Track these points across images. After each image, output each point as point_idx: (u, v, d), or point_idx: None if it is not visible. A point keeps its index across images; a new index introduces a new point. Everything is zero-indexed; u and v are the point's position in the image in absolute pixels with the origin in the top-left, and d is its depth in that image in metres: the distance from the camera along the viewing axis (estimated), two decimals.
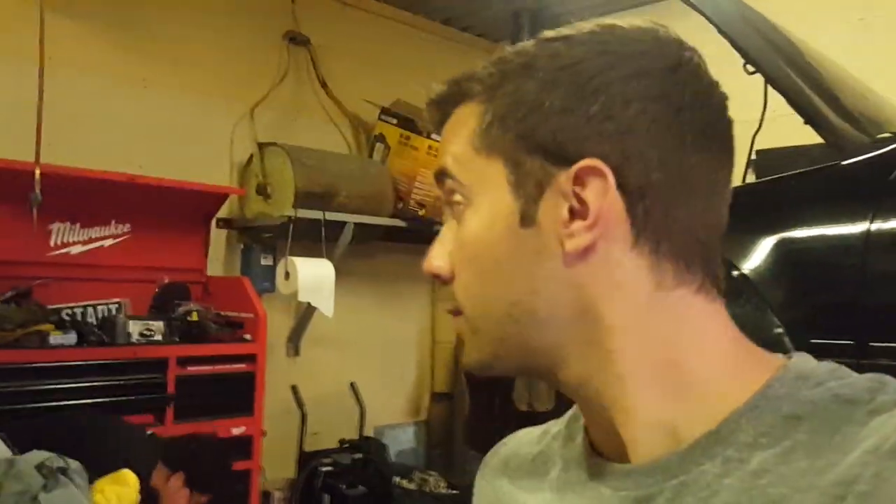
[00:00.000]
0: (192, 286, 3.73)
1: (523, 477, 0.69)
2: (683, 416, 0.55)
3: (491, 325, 0.60)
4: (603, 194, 0.55)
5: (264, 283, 4.00)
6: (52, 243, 3.44)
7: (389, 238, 4.53)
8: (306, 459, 4.07)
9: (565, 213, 0.56)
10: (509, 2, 4.73)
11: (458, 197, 0.61)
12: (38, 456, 1.52)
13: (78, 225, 3.52)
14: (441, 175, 0.63)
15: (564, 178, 0.56)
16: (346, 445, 4.35)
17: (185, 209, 3.78)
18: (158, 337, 3.36)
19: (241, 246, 4.18)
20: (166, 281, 3.66)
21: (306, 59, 4.49)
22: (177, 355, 3.30)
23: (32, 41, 3.12)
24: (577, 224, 0.56)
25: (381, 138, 4.54)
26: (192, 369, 3.35)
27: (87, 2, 3.66)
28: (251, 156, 4.16)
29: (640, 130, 0.55)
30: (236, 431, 3.50)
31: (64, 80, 3.48)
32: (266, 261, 4.10)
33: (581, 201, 0.56)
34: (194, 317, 3.46)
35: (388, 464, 4.39)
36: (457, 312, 0.63)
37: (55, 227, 3.44)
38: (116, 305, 3.51)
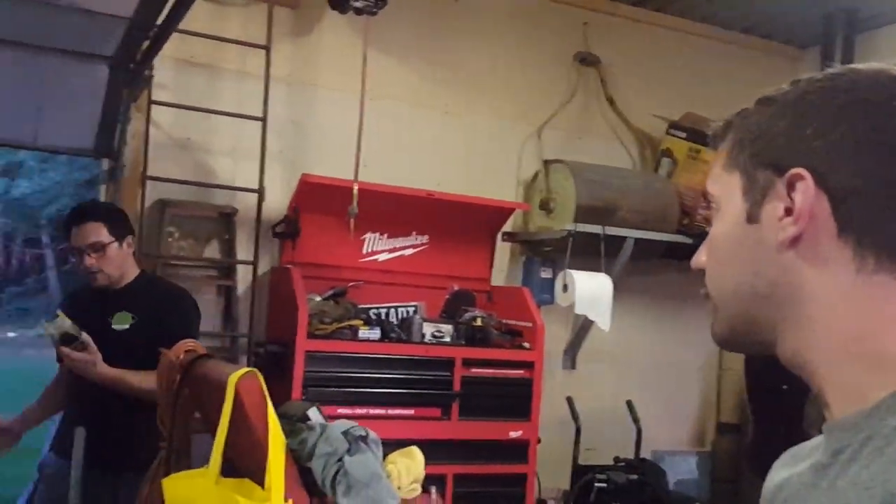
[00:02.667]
0: (477, 294, 4.04)
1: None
2: (874, 384, 0.65)
3: (725, 304, 0.77)
4: (808, 196, 0.68)
5: (543, 295, 4.20)
6: (364, 251, 3.94)
7: (672, 255, 4.47)
8: (580, 472, 4.16)
9: (781, 210, 0.70)
10: (820, 5, 4.47)
11: (713, 205, 0.80)
12: (344, 424, 1.83)
13: (386, 235, 3.99)
14: (704, 195, 0.81)
15: (780, 184, 0.71)
16: (622, 464, 4.36)
17: (475, 223, 4.10)
18: (447, 339, 3.69)
19: (524, 258, 4.42)
20: (456, 288, 4.00)
21: (595, 78, 4.63)
22: (462, 356, 3.61)
23: (356, 75, 3.65)
24: (788, 219, 0.70)
25: (667, 153, 4.53)
26: (476, 371, 3.63)
27: (402, 41, 4.14)
28: (536, 173, 4.39)
29: (845, 147, 0.68)
30: (513, 435, 3.72)
31: (379, 109, 3.97)
32: (546, 273, 4.30)
33: (792, 201, 0.69)
34: (479, 322, 3.75)
35: (666, 490, 4.32)
36: (707, 295, 0.81)
37: (368, 237, 3.94)
38: (414, 308, 3.93)
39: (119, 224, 2.67)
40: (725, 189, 0.77)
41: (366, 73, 3.68)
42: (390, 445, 2.55)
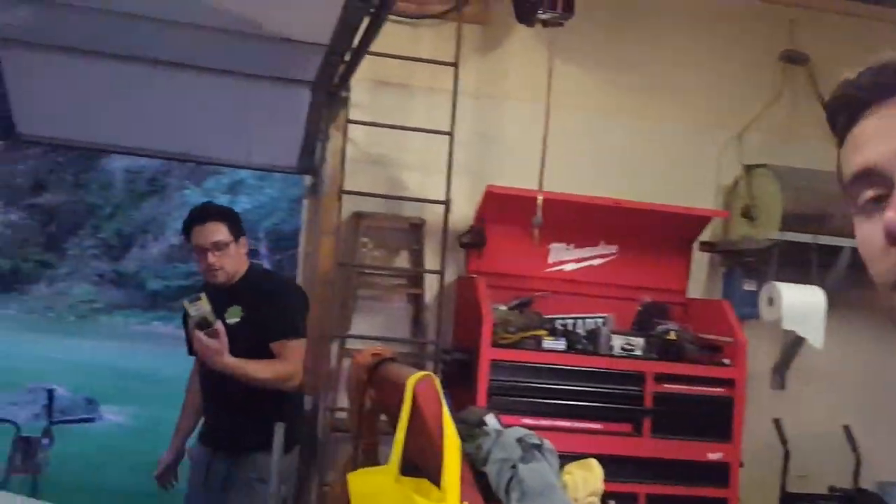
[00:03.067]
0: (671, 306, 3.87)
1: None
2: None
3: None
4: None
5: (746, 309, 3.92)
6: (549, 261, 3.91)
7: None
8: (789, 501, 3.85)
9: None
10: None
11: None
12: (519, 431, 1.82)
13: (572, 245, 3.94)
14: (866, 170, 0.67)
15: None
16: (838, 494, 3.98)
17: (668, 232, 3.94)
18: (638, 352, 3.57)
19: (724, 269, 4.18)
20: (648, 300, 3.86)
21: (803, 77, 4.30)
22: (654, 371, 3.47)
23: (542, 87, 3.65)
24: None
25: None
26: (669, 387, 3.47)
27: (589, 50, 4.09)
28: (737, 179, 4.14)
29: None
30: (712, 457, 3.50)
31: (566, 119, 3.93)
32: (749, 286, 4.02)
33: None
34: (672, 336, 3.59)
35: None
36: None
37: (553, 246, 3.91)
38: (602, 320, 3.84)
39: (236, 224, 2.77)
40: None
41: (552, 83, 3.68)
42: (576, 459, 2.50)
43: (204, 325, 2.51)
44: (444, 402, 1.76)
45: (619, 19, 4.15)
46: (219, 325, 2.51)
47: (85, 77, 3.04)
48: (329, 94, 3.16)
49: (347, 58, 2.81)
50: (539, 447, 1.76)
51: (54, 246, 23.25)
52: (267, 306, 2.73)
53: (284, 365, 2.66)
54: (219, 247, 2.68)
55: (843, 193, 0.71)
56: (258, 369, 2.62)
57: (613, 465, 3.37)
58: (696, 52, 4.22)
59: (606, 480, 3.29)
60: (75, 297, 21.22)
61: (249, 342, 2.63)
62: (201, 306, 2.52)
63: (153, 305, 22.06)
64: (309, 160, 3.49)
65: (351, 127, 3.74)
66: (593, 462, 1.90)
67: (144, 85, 3.09)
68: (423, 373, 1.81)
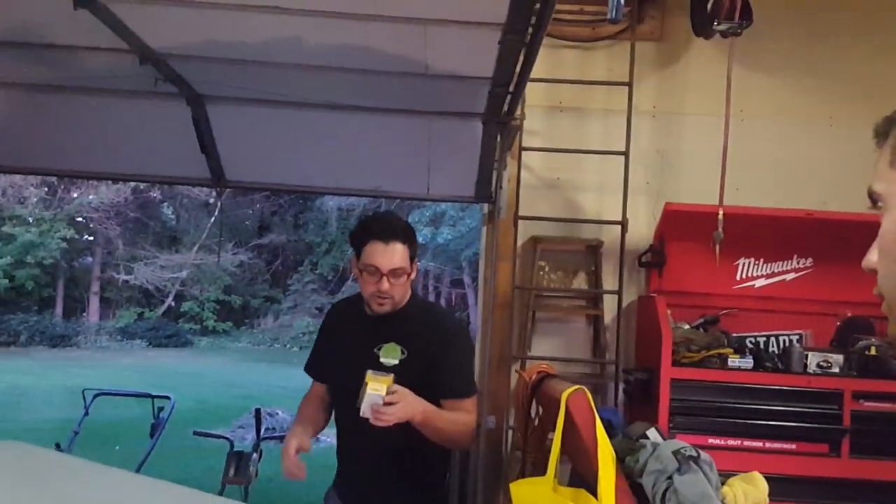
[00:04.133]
0: (875, 321, 3.61)
1: None
2: None
3: None
4: None
5: None
6: (737, 277, 3.79)
7: None
8: None
9: None
10: None
11: (880, 205, 0.77)
12: (675, 444, 1.83)
13: (762, 260, 3.79)
14: (869, 194, 0.81)
15: None
16: None
17: (867, 242, 3.60)
18: (836, 370, 3.37)
19: None
20: (848, 315, 3.63)
21: None
22: (852, 389, 3.26)
23: (723, 98, 3.58)
24: None
25: None
26: (869, 405, 3.25)
27: (773, 56, 3.95)
28: None
29: None
30: None
31: (749, 129, 3.82)
32: None
33: None
34: (873, 352, 3.35)
35: None
36: (881, 297, 0.78)
37: (741, 262, 3.79)
38: (798, 336, 3.66)
39: (415, 247, 2.33)
40: (893, 186, 0.74)
41: (733, 94, 3.60)
42: (772, 481, 2.43)
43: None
44: (596, 414, 1.82)
45: (806, 19, 3.97)
46: (398, 392, 2.05)
47: (280, 125, 3.43)
48: (500, 124, 3.31)
49: (512, 88, 2.95)
50: (696, 459, 1.77)
51: (278, 282, 25.50)
52: (436, 353, 2.25)
53: (471, 417, 2.27)
54: (397, 274, 2.24)
55: None
56: (450, 420, 2.19)
57: (811, 487, 3.24)
58: (890, 50, 3.94)
59: (803, 502, 3.16)
60: (297, 329, 23.08)
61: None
62: (383, 386, 2.04)
63: None
64: (485, 189, 3.67)
65: (526, 154, 3.89)
66: (757, 475, 1.87)
67: (335, 129, 3.43)
68: (575, 387, 1.88)
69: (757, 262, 3.80)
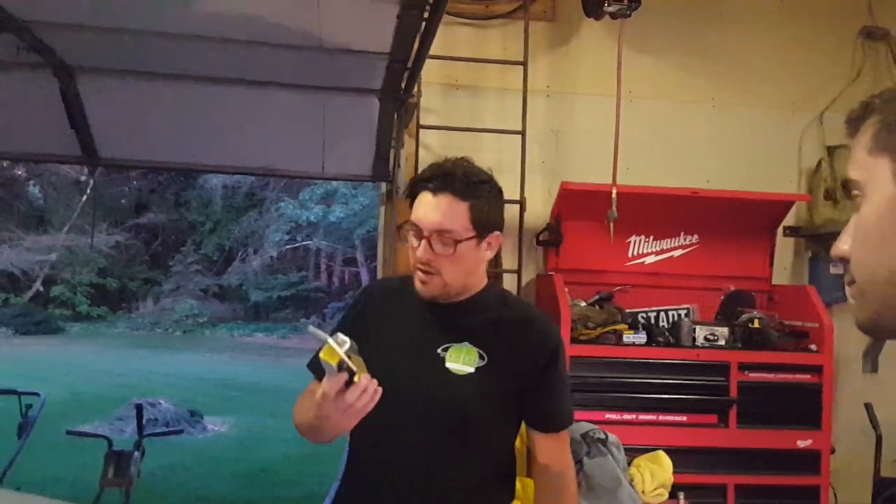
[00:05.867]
0: (756, 294, 3.79)
1: None
2: None
3: (875, 290, 0.75)
4: None
5: (834, 294, 3.81)
6: (629, 254, 3.88)
7: None
8: (883, 485, 3.71)
9: None
10: None
11: (856, 192, 0.77)
12: (584, 426, 1.84)
13: (651, 238, 3.90)
14: (844, 182, 0.81)
15: None
16: None
17: (749, 219, 3.86)
18: (722, 342, 3.51)
19: (809, 254, 4.06)
20: (731, 289, 3.78)
21: (885, 52, 4.14)
22: (738, 361, 3.41)
23: (613, 78, 3.65)
24: None
25: None
26: (754, 375, 3.41)
27: (661, 38, 4.05)
28: (819, 161, 4.02)
29: None
30: (802, 444, 3.42)
31: (641, 110, 3.91)
32: (836, 269, 3.89)
33: None
34: (756, 324, 3.52)
35: None
36: (850, 282, 0.78)
37: (632, 239, 3.88)
38: (685, 311, 3.79)
39: (491, 213, 1.67)
40: (871, 174, 0.75)
41: (623, 75, 3.67)
42: (666, 453, 2.50)
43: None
44: None
45: (692, 4, 4.09)
46: (364, 380, 1.38)
47: (160, 99, 3.23)
48: (397, 101, 3.25)
49: (410, 64, 2.89)
50: (604, 441, 1.78)
51: (159, 264, 24.46)
52: (531, 370, 1.68)
53: (569, 457, 1.76)
54: (445, 239, 1.62)
55: None
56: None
57: (701, 457, 3.37)
58: (771, 33, 4.12)
59: (694, 472, 3.30)
60: (180, 313, 22.27)
61: (483, 411, 1.66)
62: (339, 343, 1.38)
63: (256, 317, 22.97)
64: (383, 167, 3.60)
65: (424, 133, 3.83)
66: (662, 455, 1.91)
67: (221, 104, 3.26)
68: None
69: (647, 240, 3.90)
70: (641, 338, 3.45)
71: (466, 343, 1.66)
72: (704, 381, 3.42)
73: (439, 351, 1.66)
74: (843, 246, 0.79)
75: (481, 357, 1.65)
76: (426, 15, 2.33)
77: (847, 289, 0.79)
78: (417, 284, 1.65)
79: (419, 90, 3.70)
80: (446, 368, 1.63)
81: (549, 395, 1.70)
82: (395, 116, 3.46)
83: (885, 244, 0.73)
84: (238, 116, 3.33)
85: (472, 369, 1.63)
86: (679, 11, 4.07)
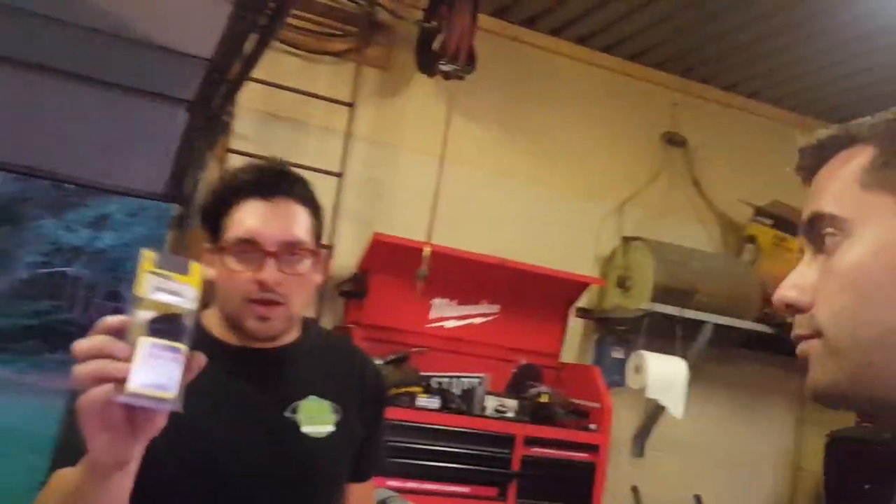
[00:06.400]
0: (546, 370, 3.85)
1: None
2: None
3: (857, 349, 0.61)
4: None
5: (614, 377, 3.97)
6: (431, 316, 3.81)
7: (752, 345, 4.26)
8: None
9: None
10: None
11: (830, 231, 0.64)
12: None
13: (455, 302, 3.87)
14: (815, 218, 0.67)
15: None
16: None
17: (548, 295, 3.95)
18: (511, 414, 3.51)
19: (596, 336, 4.23)
20: (524, 362, 3.83)
21: (682, 159, 4.50)
22: (525, 434, 3.41)
23: (438, 139, 3.64)
24: None
25: (752, 239, 4.32)
26: (537, 450, 3.42)
27: (487, 108, 4.11)
28: (615, 249, 4.24)
29: None
30: None
31: (458, 175, 3.90)
32: (617, 354, 4.08)
33: None
34: (544, 399, 3.56)
35: None
36: (809, 337, 0.65)
37: (435, 302, 3.82)
38: (478, 379, 3.75)
39: (321, 222, 1.37)
40: (864, 212, 0.63)
41: (448, 137, 3.67)
42: None
43: (165, 327, 0.84)
44: None
45: (517, 82, 4.21)
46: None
47: None
48: (208, 118, 2.97)
49: (231, 77, 2.65)
50: None
51: None
52: (369, 411, 1.42)
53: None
54: (293, 258, 1.27)
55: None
56: None
57: None
58: (586, 124, 4.33)
59: None
60: None
61: (343, 475, 1.38)
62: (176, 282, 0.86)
63: None
64: (178, 188, 3.26)
65: (233, 158, 3.54)
66: None
67: None
68: None
69: (450, 304, 3.86)
70: (435, 402, 3.36)
71: (313, 396, 1.32)
72: (491, 452, 3.37)
73: (287, 414, 1.29)
74: (793, 293, 0.66)
75: (335, 410, 1.34)
76: (262, 21, 2.13)
77: (802, 344, 0.66)
78: (252, 324, 1.25)
79: (234, 111, 3.45)
80: (304, 435, 1.28)
81: (380, 438, 1.47)
82: (203, 134, 3.16)
83: (883, 298, 0.61)
84: (7, 103, 2.82)
85: (331, 427, 1.32)
86: (508, 86, 4.17)
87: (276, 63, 3.67)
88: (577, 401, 3.71)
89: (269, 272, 1.24)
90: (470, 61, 3.65)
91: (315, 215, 1.34)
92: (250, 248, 1.26)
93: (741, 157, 4.59)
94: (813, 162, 0.71)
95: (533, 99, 4.22)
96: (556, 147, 4.25)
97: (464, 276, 3.77)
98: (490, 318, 3.91)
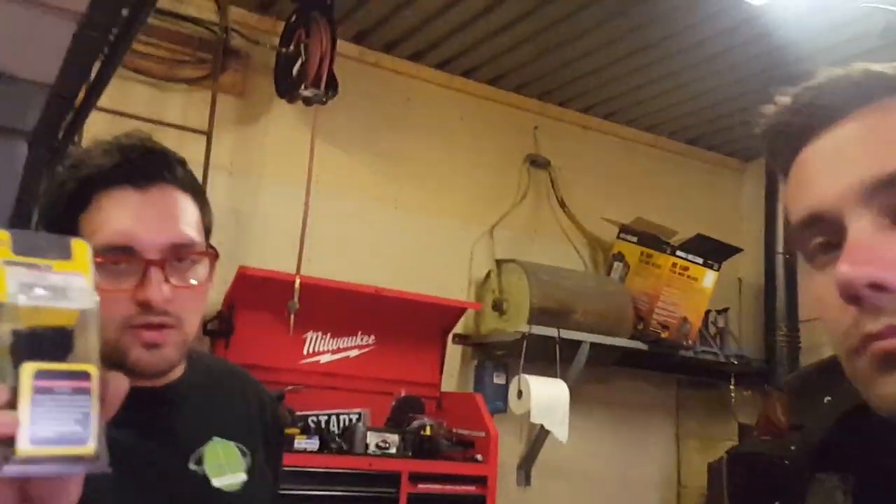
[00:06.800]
0: (426, 400, 3.74)
1: None
2: None
3: None
4: None
5: (497, 403, 3.92)
6: (305, 351, 3.63)
7: (628, 363, 4.32)
8: None
9: None
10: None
11: None
12: None
13: (329, 335, 3.70)
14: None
15: None
16: None
17: (424, 323, 3.85)
18: (393, 450, 3.37)
19: (476, 362, 4.17)
20: (403, 394, 3.70)
21: (546, 180, 4.55)
22: (409, 470, 3.28)
23: (302, 166, 3.49)
24: None
25: (619, 257, 4.42)
26: (423, 487, 3.30)
27: (352, 134, 4.00)
28: (489, 272, 4.21)
29: None
30: None
31: (326, 202, 3.76)
32: (499, 379, 4.04)
33: None
34: (428, 431, 3.44)
35: None
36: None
37: (309, 335, 3.64)
38: (357, 415, 3.59)
39: (209, 208, 1.10)
40: None
41: (313, 164, 3.54)
42: None
43: (44, 345, 0.54)
44: None
45: (380, 108, 4.12)
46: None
47: None
48: (52, 150, 2.69)
49: (77, 103, 2.41)
50: None
51: None
52: (274, 448, 1.22)
53: None
54: (185, 259, 1.01)
55: (790, 236, 0.59)
56: None
57: None
58: (451, 148, 4.30)
59: None
60: None
61: None
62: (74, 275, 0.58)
63: None
64: (22, 227, 2.94)
65: None
66: None
67: None
68: None
69: (324, 337, 3.70)
70: (314, 444, 3.17)
71: (217, 438, 1.06)
72: (376, 493, 3.22)
73: (192, 466, 1.03)
74: (882, 272, 0.49)
75: (243, 453, 1.09)
76: (111, 38, 1.93)
77: (884, 341, 0.50)
78: (138, 355, 0.94)
79: (80, 141, 3.16)
80: (216, 491, 1.03)
81: (276, 480, 1.20)
82: (48, 169, 2.86)
83: None
84: None
85: (244, 476, 1.07)
86: (371, 112, 4.08)
87: (125, 91, 3.43)
88: (460, 431, 3.62)
89: (155, 287, 0.93)
90: (331, 86, 3.54)
91: (201, 204, 1.06)
92: (124, 257, 0.94)
93: (602, 177, 4.71)
94: (838, 101, 0.54)
95: (397, 124, 4.14)
96: (423, 172, 4.19)
97: (337, 307, 3.61)
98: (366, 349, 3.76)
